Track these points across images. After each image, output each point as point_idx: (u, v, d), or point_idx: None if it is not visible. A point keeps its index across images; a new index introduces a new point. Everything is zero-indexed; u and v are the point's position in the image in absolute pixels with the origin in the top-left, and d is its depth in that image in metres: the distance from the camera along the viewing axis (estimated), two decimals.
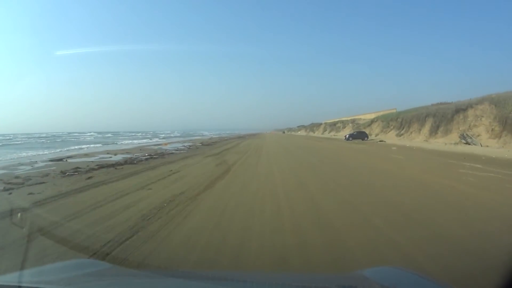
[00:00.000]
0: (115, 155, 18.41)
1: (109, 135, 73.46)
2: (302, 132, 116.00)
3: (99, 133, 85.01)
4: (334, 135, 59.59)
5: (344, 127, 64.50)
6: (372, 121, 48.25)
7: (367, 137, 36.30)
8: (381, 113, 53.99)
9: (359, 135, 36.72)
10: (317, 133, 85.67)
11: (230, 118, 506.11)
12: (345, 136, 37.90)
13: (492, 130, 21.89)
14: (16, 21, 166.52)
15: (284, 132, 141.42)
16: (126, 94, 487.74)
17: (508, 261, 1.88)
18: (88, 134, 77.96)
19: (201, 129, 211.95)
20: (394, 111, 50.79)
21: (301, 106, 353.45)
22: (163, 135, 77.17)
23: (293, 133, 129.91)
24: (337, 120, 74.41)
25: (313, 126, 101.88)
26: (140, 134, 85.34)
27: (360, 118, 60.51)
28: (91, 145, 31.64)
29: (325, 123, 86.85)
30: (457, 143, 22.82)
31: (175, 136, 72.90)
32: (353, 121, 61.36)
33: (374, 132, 44.60)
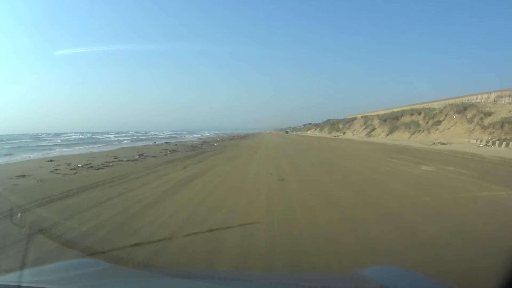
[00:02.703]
0: None
1: (89, 134, 67.67)
2: (315, 132, 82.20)
3: (81, 133, 75.51)
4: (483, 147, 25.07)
5: (435, 121, 30.64)
6: None
7: None
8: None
9: None
10: (351, 134, 51.83)
11: (229, 118, 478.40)
12: None
13: None
14: (16, 19, 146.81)
15: (287, 132, 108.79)
16: (125, 94, 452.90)
17: (508, 261, 1.53)
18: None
19: (202, 128, 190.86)
20: None
21: (303, 103, 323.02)
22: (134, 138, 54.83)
23: (299, 133, 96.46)
24: (406, 108, 39.79)
25: (337, 123, 67.82)
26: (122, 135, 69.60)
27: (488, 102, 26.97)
28: None
29: (365, 117, 52.54)
30: None
31: (140, 139, 46.67)
32: (468, 106, 27.50)
33: None
